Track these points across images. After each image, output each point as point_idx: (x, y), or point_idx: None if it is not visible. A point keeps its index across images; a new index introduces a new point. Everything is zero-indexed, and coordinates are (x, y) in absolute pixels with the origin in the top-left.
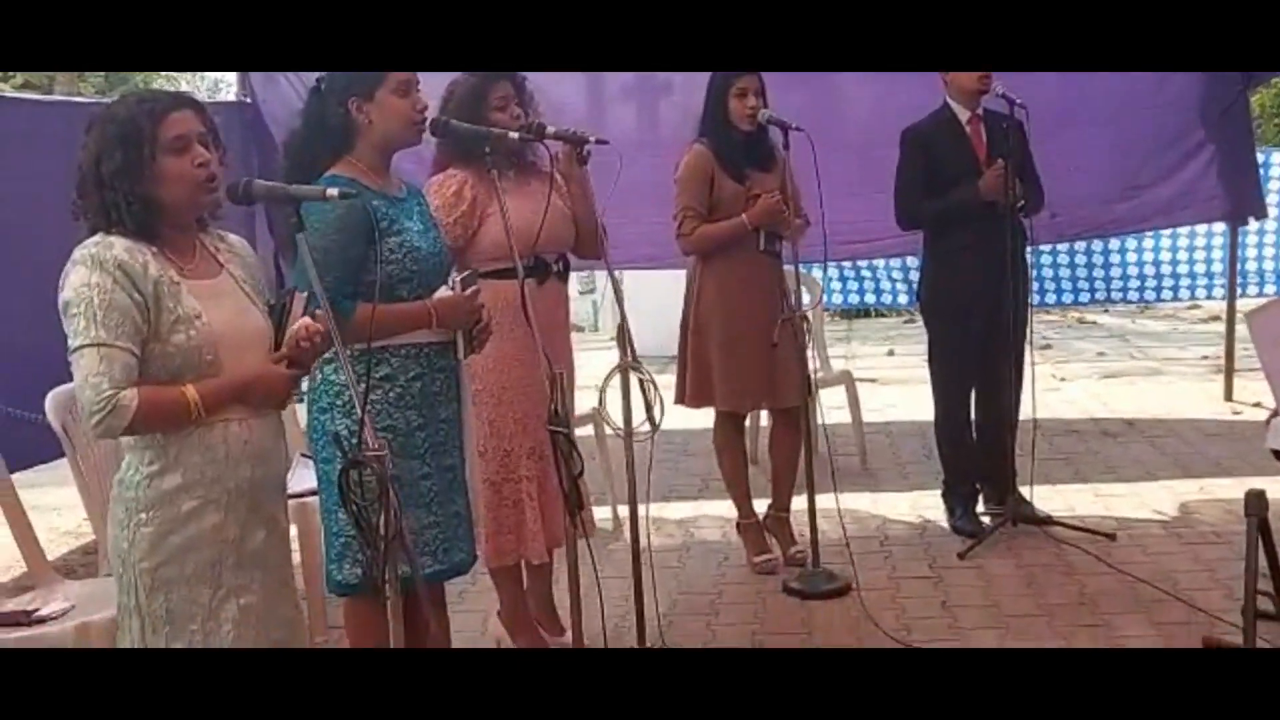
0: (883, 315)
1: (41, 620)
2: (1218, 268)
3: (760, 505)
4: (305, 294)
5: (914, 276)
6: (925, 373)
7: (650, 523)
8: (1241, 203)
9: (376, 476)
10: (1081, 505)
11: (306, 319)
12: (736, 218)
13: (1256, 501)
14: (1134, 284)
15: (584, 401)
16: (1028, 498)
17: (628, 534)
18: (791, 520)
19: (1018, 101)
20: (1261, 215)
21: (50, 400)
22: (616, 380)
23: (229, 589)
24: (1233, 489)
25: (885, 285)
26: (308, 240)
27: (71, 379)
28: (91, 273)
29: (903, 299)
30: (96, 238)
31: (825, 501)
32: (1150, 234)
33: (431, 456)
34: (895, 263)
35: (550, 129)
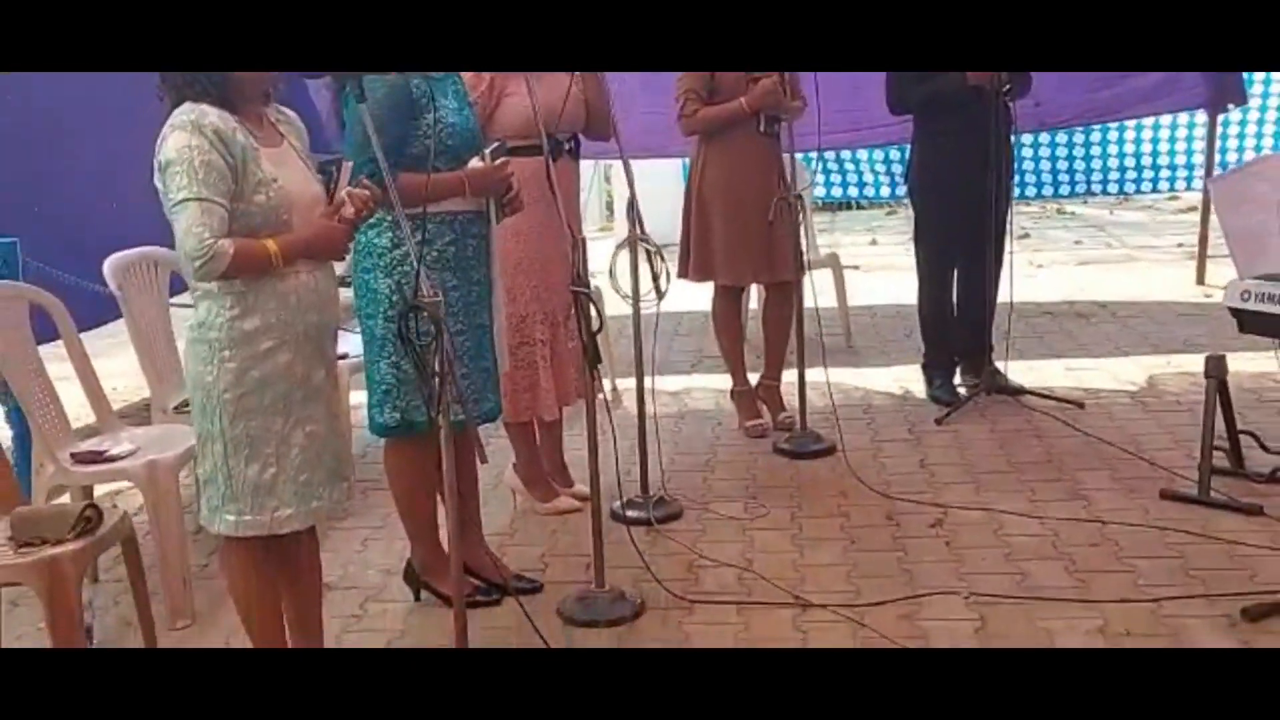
0: (865, 208)
1: (113, 459)
2: (1197, 159)
3: (752, 378)
4: (351, 163)
5: (896, 170)
6: (907, 260)
7: (648, 393)
8: (1222, 90)
9: (433, 320)
10: (1053, 378)
11: (354, 188)
12: (736, 100)
13: (1216, 364)
14: (1113, 176)
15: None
16: (1002, 371)
17: (626, 404)
18: (781, 390)
19: None
20: (1241, 102)
21: (108, 266)
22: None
23: (297, 419)
24: (1199, 364)
25: (869, 178)
26: (364, 112)
27: (124, 247)
28: (191, 136)
29: (885, 192)
30: (187, 106)
31: (814, 375)
32: (1131, 125)
33: (465, 315)
34: (879, 154)
35: None
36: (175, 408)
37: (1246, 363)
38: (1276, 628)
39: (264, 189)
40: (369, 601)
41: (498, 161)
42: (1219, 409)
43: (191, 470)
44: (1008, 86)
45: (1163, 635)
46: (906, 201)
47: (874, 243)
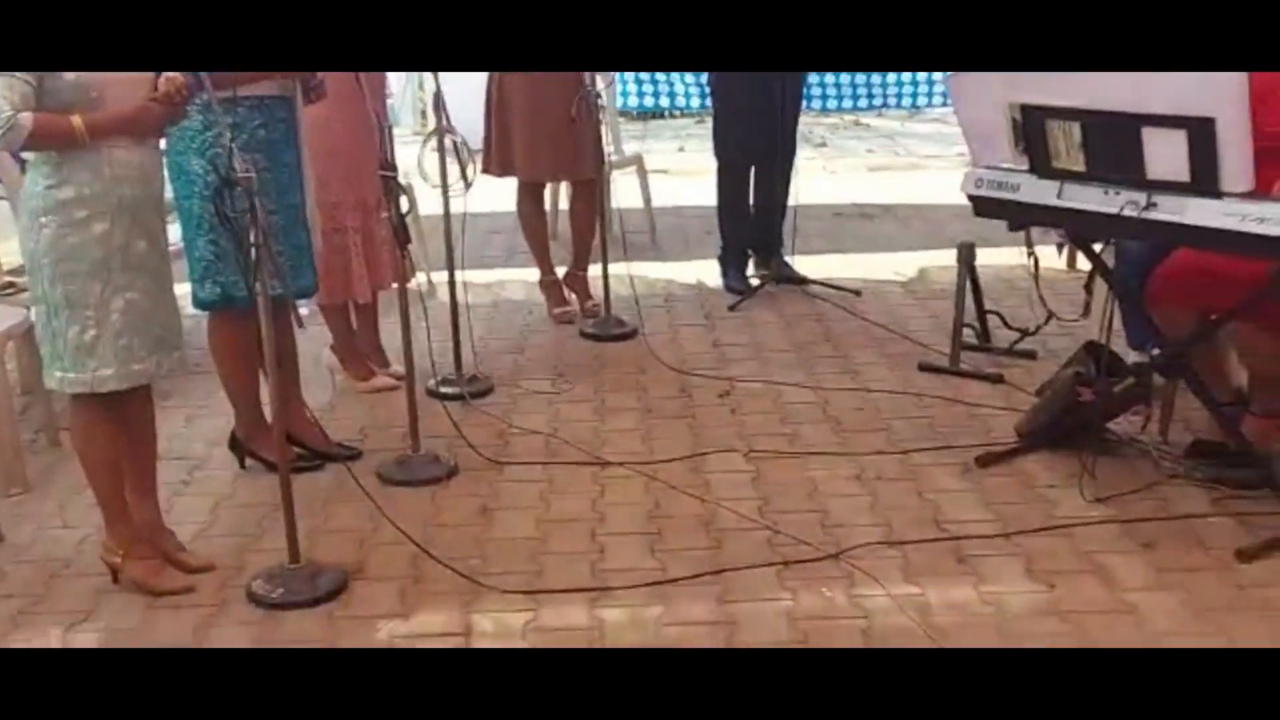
0: (675, 117)
1: None
2: None
3: (561, 272)
4: None
5: (704, 79)
6: (713, 165)
7: (462, 286)
8: None
9: (247, 194)
10: (836, 271)
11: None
12: None
13: (967, 251)
14: (906, 89)
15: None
16: (789, 263)
17: (440, 296)
18: (588, 280)
19: None
20: None
21: None
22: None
23: (116, 286)
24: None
25: (679, 89)
26: None
27: None
28: None
29: (695, 102)
30: None
31: (617, 270)
32: None
33: (277, 195)
34: None
35: None
36: None
37: (1004, 256)
38: (1000, 472)
39: None
40: (195, 470)
41: None
42: (969, 291)
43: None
44: None
45: (906, 479)
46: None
47: (681, 150)
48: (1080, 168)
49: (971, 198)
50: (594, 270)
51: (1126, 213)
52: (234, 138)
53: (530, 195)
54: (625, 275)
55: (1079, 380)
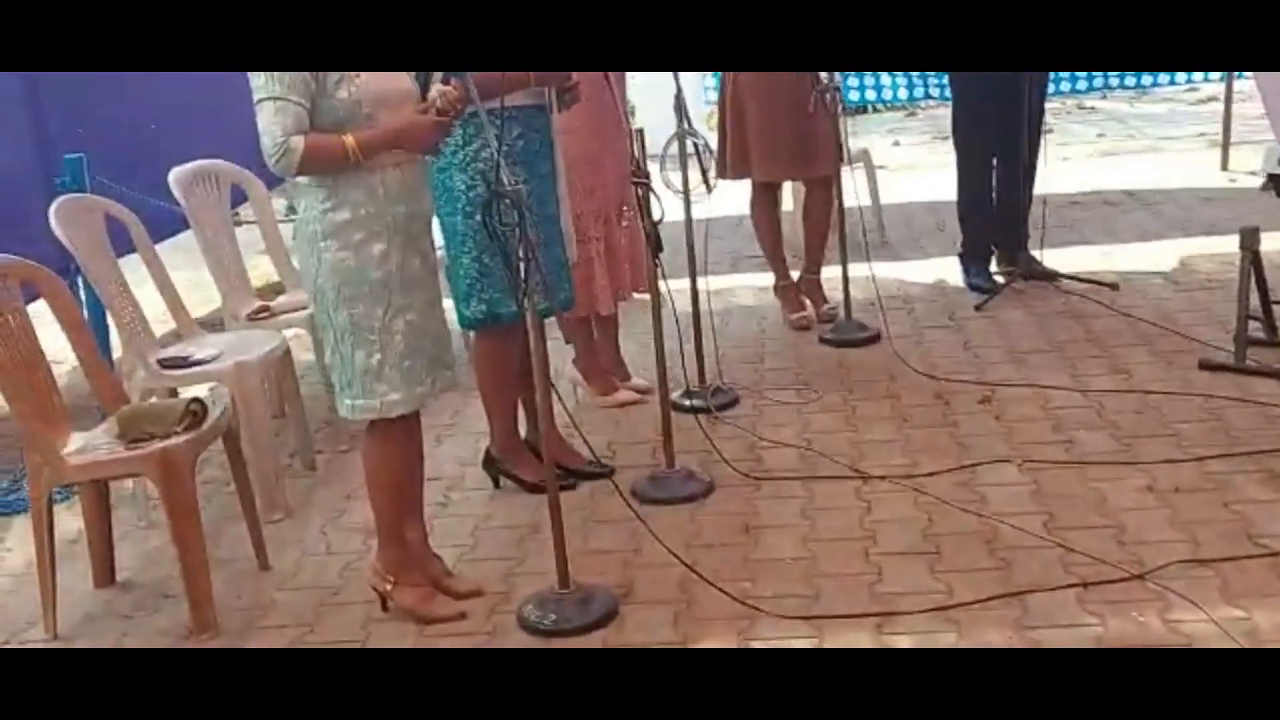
0: (883, 110)
1: (199, 362)
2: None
3: (793, 275)
4: None
5: (914, 73)
6: (931, 158)
7: (706, 295)
8: None
9: (515, 207)
10: (1087, 263)
11: (441, 85)
12: None
13: (1250, 236)
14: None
15: None
16: (1037, 258)
17: (672, 304)
18: (822, 283)
19: None
20: None
21: (173, 179)
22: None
23: (397, 307)
24: (1228, 244)
25: (886, 82)
26: None
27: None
28: None
29: (903, 94)
30: None
31: (854, 270)
32: None
33: (535, 207)
34: None
35: None
36: (248, 315)
37: (1276, 241)
38: None
39: (345, 84)
40: (451, 490)
41: None
42: (1253, 281)
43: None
44: None
45: (1207, 489)
46: (924, 104)
47: (897, 144)
48: None
49: (1273, 176)
50: (827, 270)
51: None
52: (515, 150)
53: (766, 197)
54: (860, 277)
55: None
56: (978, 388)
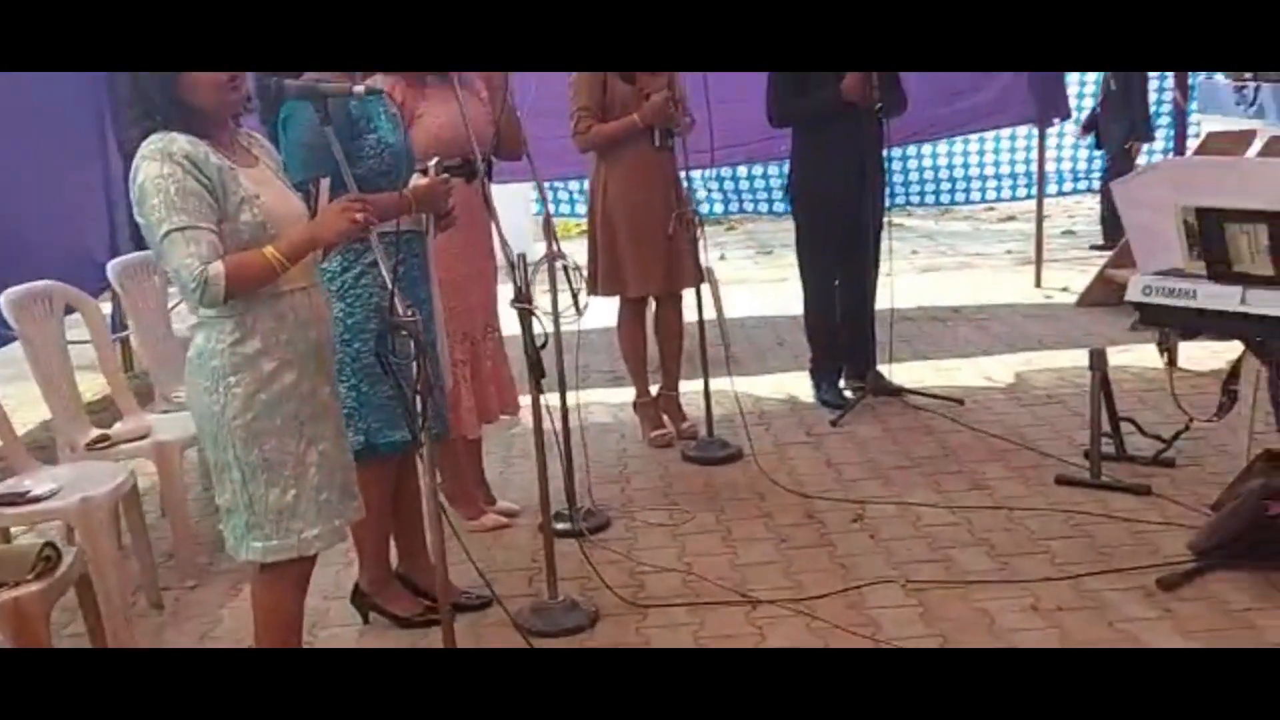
0: (707, 224)
1: (38, 499)
2: (1004, 170)
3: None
4: (328, 179)
5: (729, 187)
6: (758, 272)
7: (546, 410)
8: (1048, 106)
9: (414, 338)
10: (928, 378)
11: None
12: (629, 116)
13: (1099, 358)
14: (932, 188)
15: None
16: (884, 373)
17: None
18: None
19: None
20: (1066, 115)
21: (3, 301)
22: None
23: (309, 438)
24: (1056, 359)
25: (702, 195)
26: (303, 136)
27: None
28: (162, 165)
29: (719, 208)
30: (157, 136)
31: (698, 385)
32: (946, 142)
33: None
34: (710, 174)
35: None
36: (87, 445)
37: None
38: (1188, 595)
39: (248, 206)
40: (316, 628)
41: (441, 177)
42: (1102, 398)
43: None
44: (880, 104)
45: (1090, 608)
46: (745, 216)
47: (723, 258)
48: (1267, 271)
49: (1138, 305)
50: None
51: None
52: (396, 276)
53: (634, 312)
54: (714, 392)
55: (1266, 493)
56: (848, 505)
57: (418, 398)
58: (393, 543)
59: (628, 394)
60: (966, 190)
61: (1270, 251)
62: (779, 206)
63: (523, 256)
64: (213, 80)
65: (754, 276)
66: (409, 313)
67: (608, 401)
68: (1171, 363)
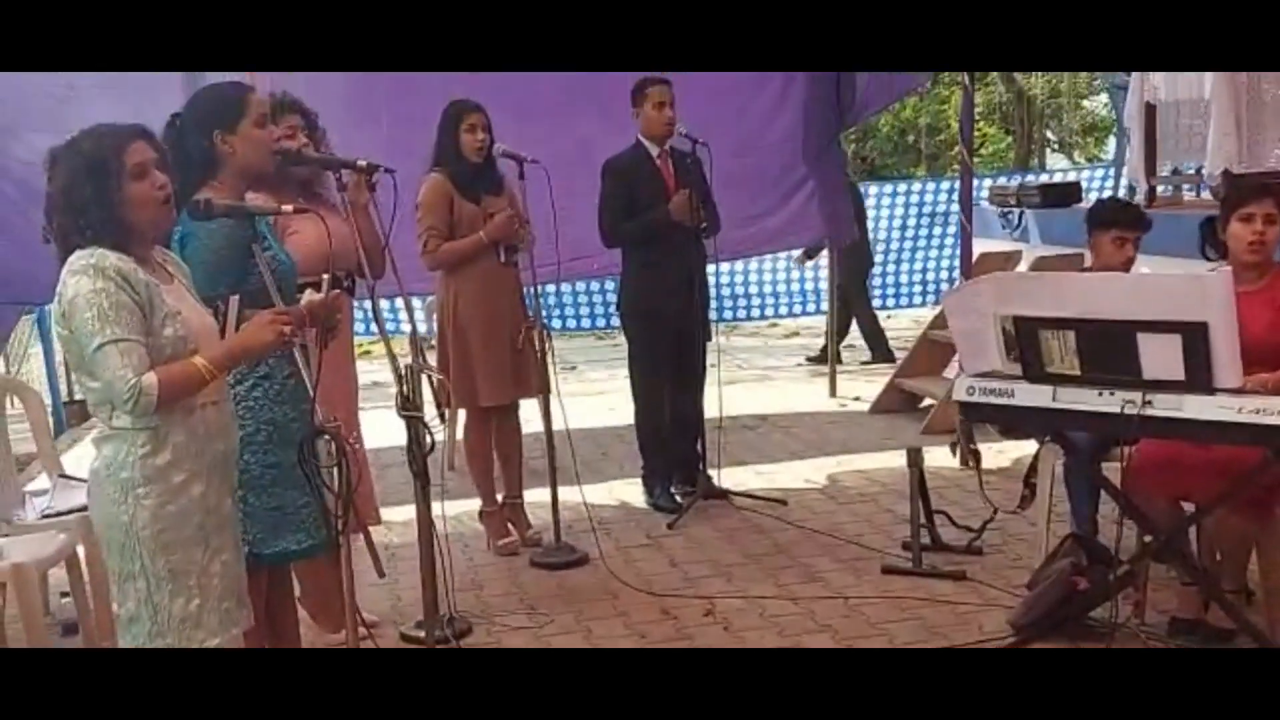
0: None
1: None
2: (781, 288)
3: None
4: (237, 297)
5: (552, 301)
6: (579, 385)
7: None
8: (836, 227)
9: (336, 442)
10: (749, 481)
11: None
12: (475, 234)
13: (915, 456)
14: (717, 305)
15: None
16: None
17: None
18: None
19: (699, 141)
20: (852, 237)
21: None
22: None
23: (214, 548)
24: (861, 461)
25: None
26: (206, 255)
27: None
28: (95, 280)
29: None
30: (88, 251)
31: (542, 494)
32: (728, 261)
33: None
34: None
35: (361, 161)
36: None
37: (897, 458)
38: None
39: (171, 321)
40: None
41: (334, 292)
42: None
43: None
44: (704, 224)
45: None
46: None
47: (574, 368)
48: (1075, 372)
49: (963, 404)
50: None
51: (1127, 411)
52: (266, 389)
53: (482, 422)
54: (563, 500)
55: (1075, 570)
56: (698, 601)
57: (341, 500)
58: None
59: (467, 504)
60: (748, 307)
61: (1078, 354)
62: (585, 323)
63: (410, 368)
64: (151, 199)
65: (570, 390)
66: (332, 419)
67: (443, 512)
68: (978, 461)
